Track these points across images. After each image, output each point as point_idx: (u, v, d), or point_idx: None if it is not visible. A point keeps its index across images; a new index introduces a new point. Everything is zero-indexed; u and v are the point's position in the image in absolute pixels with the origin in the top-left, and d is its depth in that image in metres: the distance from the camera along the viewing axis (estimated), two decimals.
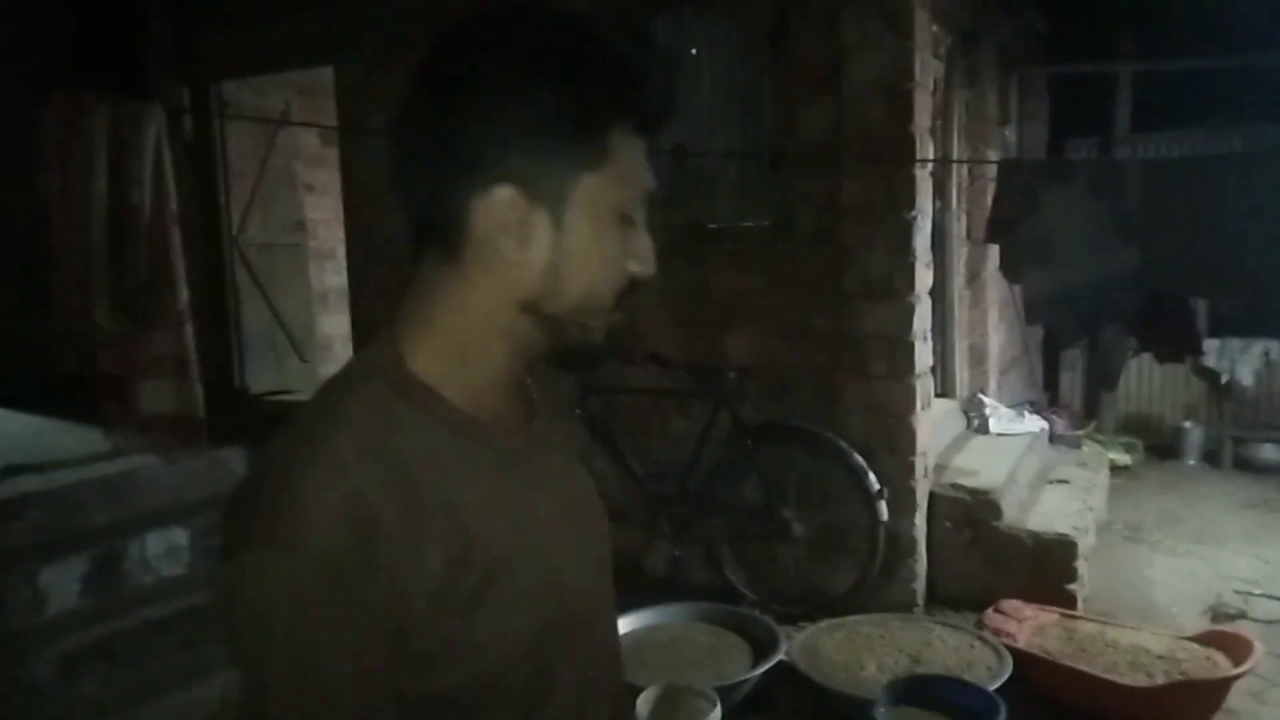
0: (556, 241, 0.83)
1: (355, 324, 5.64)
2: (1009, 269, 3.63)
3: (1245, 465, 6.86)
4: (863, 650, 3.66)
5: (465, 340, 0.86)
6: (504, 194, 0.81)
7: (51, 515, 3.79)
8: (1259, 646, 3.40)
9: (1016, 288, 3.93)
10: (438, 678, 0.79)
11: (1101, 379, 6.98)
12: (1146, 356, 6.66)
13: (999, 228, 3.54)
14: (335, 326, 6.79)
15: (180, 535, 4.01)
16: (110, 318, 3.25)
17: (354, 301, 5.63)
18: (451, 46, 0.84)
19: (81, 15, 5.46)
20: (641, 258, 0.88)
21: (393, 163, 0.87)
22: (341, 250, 5.96)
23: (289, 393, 6.23)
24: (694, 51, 4.52)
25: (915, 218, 4.00)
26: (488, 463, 0.86)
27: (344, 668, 0.74)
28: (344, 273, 5.87)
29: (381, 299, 5.24)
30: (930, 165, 4.14)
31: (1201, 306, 6.75)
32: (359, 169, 5.36)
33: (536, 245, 0.83)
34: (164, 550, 3.94)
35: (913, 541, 4.25)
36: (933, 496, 4.37)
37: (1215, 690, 3.32)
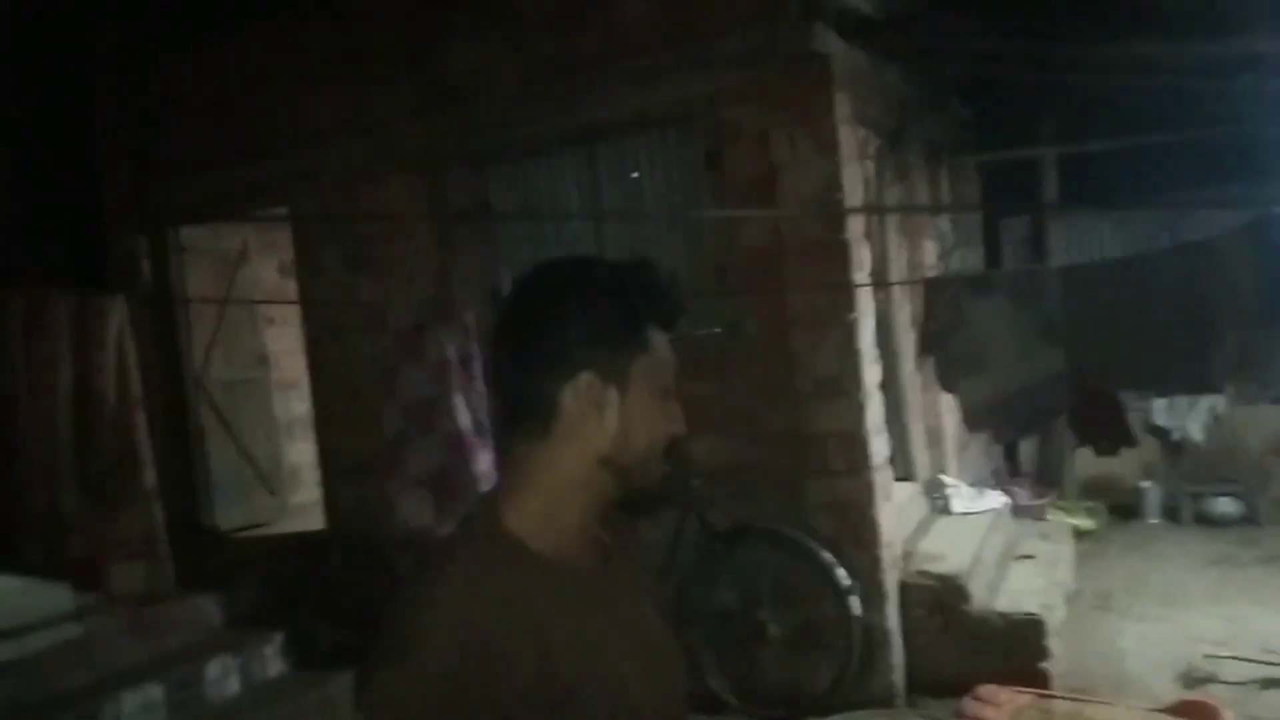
0: (624, 409, 1.14)
1: (322, 453, 5.67)
2: (944, 380, 3.80)
3: (1204, 520, 7.01)
4: None
5: (557, 496, 1.14)
6: (587, 378, 1.13)
7: (23, 682, 3.75)
8: (1228, 715, 3.47)
9: (951, 395, 4.10)
10: None
11: (1043, 473, 7.23)
12: None
13: (931, 342, 3.72)
14: (302, 455, 6.82)
15: (156, 690, 3.97)
16: (78, 502, 3.29)
17: (319, 431, 5.68)
18: (528, 287, 1.20)
19: (40, 171, 5.57)
20: (676, 419, 1.20)
21: (491, 371, 1.31)
22: (305, 379, 6.03)
23: (259, 526, 6.22)
24: (635, 174, 4.73)
25: (856, 319, 4.18)
26: (568, 599, 1.12)
27: None
28: (308, 400, 5.92)
29: (346, 430, 5.29)
30: (867, 268, 4.34)
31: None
32: (318, 301, 5.47)
33: (610, 413, 1.13)
34: (139, 708, 3.89)
35: (886, 633, 4.31)
36: (903, 585, 4.44)
37: None
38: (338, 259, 5.34)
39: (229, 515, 6.08)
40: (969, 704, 3.86)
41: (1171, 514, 7.18)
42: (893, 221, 5.55)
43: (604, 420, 1.13)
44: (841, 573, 4.17)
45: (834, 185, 4.15)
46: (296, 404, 6.97)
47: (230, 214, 5.72)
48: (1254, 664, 4.41)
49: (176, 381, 5.88)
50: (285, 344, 6.87)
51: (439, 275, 5.02)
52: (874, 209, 4.79)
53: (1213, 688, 4.22)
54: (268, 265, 6.98)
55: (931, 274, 5.97)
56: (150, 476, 3.39)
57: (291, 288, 6.19)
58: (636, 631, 1.20)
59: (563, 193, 4.96)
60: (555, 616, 1.09)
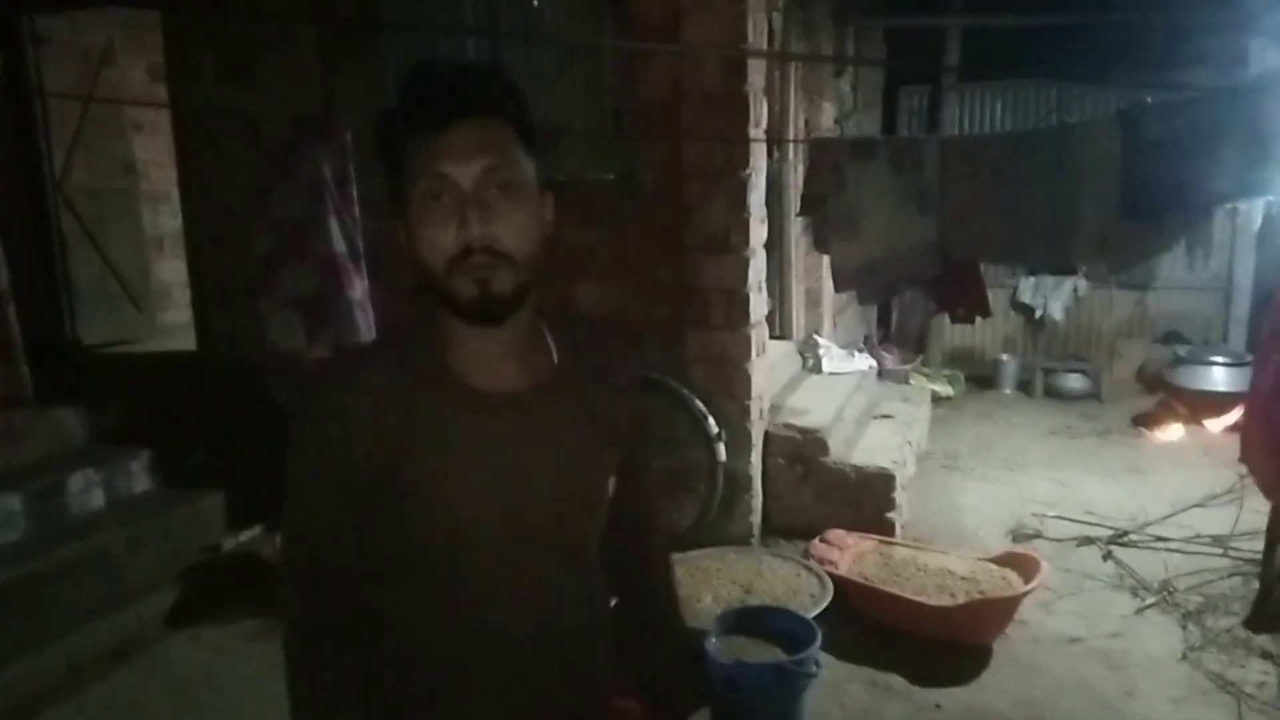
0: (407, 227, 1.17)
1: (194, 273, 5.46)
2: (819, 241, 3.87)
3: (1054, 394, 7.52)
4: (701, 583, 3.93)
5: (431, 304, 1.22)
6: (388, 204, 1.22)
7: None
8: (1046, 566, 3.83)
9: (825, 257, 4.20)
10: (386, 540, 1.22)
11: (901, 335, 7.54)
12: None
13: (810, 203, 3.76)
14: (173, 273, 6.56)
15: (14, 500, 3.90)
16: None
17: (190, 250, 5.44)
18: None
19: None
20: (463, 224, 1.13)
21: None
22: (176, 193, 5.72)
23: (124, 343, 6.01)
24: (535, 3, 4.53)
25: (749, 176, 4.19)
26: (450, 411, 1.21)
27: (324, 489, 1.22)
28: (180, 215, 5.64)
29: (219, 249, 5.09)
30: (763, 124, 4.32)
31: None
32: (191, 109, 5.14)
33: (402, 234, 1.19)
34: None
35: (749, 479, 4.54)
36: (767, 436, 4.65)
37: (1007, 606, 3.74)
38: (212, 67, 5.00)
39: (92, 330, 5.85)
40: (818, 545, 4.16)
41: (1025, 386, 7.66)
42: (794, 79, 5.51)
43: (404, 239, 1.20)
44: (711, 421, 4.34)
45: (739, 34, 4.08)
46: (167, 219, 6.65)
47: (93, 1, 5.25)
48: (1075, 524, 4.85)
49: (34, 185, 5.51)
50: (155, 153, 6.49)
51: (321, 91, 4.77)
52: (781, 55, 4.72)
53: (1037, 543, 4.62)
54: (136, 67, 6.49)
55: (825, 136, 6.00)
56: (3, 278, 3.20)
57: (161, 93, 5.79)
58: (521, 449, 1.23)
59: (457, 11, 4.72)
60: (427, 423, 1.20)
